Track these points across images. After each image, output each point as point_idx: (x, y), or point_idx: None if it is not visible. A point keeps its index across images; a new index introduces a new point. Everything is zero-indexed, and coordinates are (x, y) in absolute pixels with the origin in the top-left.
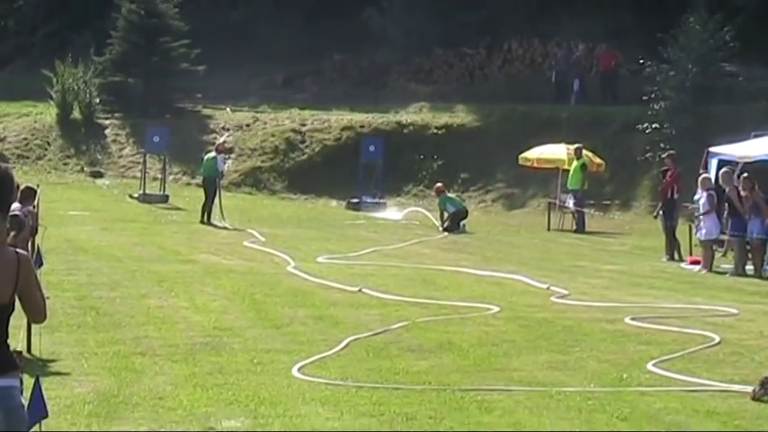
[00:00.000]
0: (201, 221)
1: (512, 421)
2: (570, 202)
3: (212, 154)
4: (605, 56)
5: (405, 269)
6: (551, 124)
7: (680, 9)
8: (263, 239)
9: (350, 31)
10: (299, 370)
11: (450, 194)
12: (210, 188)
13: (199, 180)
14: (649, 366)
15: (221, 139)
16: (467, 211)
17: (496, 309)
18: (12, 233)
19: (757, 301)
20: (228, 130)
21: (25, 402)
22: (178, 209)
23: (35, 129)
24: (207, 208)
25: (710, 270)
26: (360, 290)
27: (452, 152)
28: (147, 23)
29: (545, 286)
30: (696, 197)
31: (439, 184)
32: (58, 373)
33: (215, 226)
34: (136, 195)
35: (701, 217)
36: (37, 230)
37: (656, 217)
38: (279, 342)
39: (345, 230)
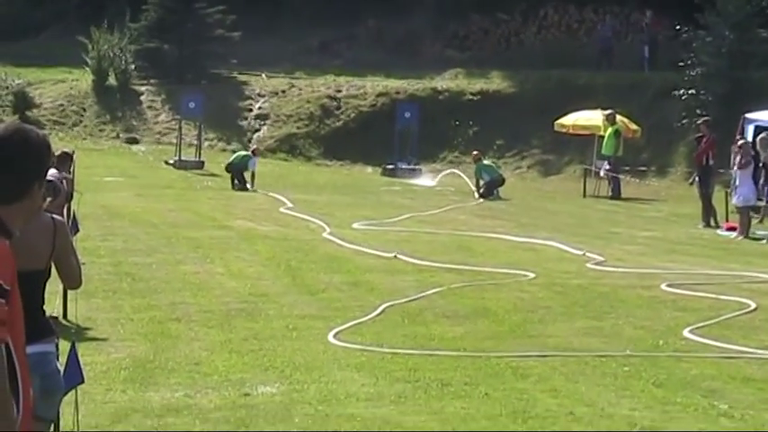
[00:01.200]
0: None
1: (547, 387)
2: (604, 169)
3: (248, 153)
4: (655, 22)
5: (440, 235)
6: (587, 90)
7: None
8: (290, 205)
9: None
10: (334, 336)
11: (486, 162)
12: (238, 175)
13: (234, 147)
14: (685, 333)
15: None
16: (503, 179)
17: (532, 275)
18: (48, 199)
19: None
20: (264, 96)
21: (61, 368)
22: (213, 175)
23: (71, 95)
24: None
25: (747, 236)
26: (395, 256)
27: (488, 118)
28: None
29: (581, 252)
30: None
31: (475, 152)
32: (94, 339)
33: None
34: (171, 161)
35: (737, 176)
36: (72, 196)
37: (691, 184)
38: (314, 308)
39: (381, 197)
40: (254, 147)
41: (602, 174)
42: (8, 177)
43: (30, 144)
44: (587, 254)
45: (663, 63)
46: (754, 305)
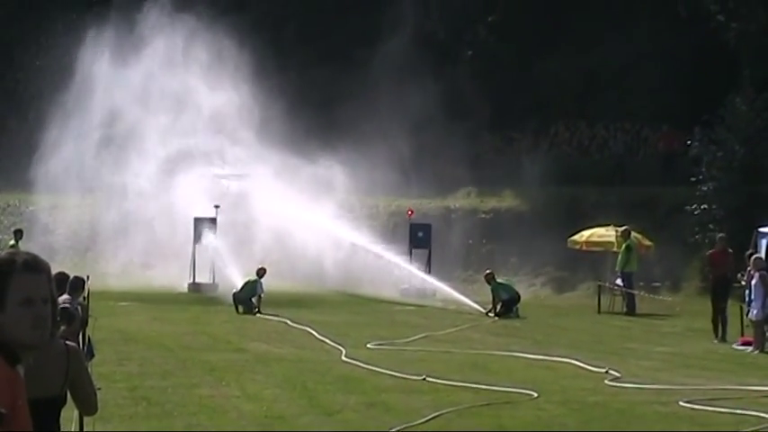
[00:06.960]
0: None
1: None
2: (616, 284)
3: (255, 279)
4: (668, 136)
5: (456, 354)
6: (600, 207)
7: (725, 89)
8: (293, 325)
9: None
10: None
11: (500, 280)
12: (247, 306)
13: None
14: None
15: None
16: (519, 297)
17: (547, 392)
18: (62, 327)
19: None
20: None
21: None
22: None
23: (84, 220)
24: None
25: (762, 350)
26: (424, 378)
27: (501, 236)
28: None
29: (603, 369)
30: (748, 278)
31: (488, 271)
32: None
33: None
34: (186, 285)
35: (753, 290)
36: (87, 322)
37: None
38: (331, 429)
39: (395, 316)
40: (259, 267)
41: (615, 288)
42: None
43: None
44: (610, 371)
45: (675, 178)
46: None
